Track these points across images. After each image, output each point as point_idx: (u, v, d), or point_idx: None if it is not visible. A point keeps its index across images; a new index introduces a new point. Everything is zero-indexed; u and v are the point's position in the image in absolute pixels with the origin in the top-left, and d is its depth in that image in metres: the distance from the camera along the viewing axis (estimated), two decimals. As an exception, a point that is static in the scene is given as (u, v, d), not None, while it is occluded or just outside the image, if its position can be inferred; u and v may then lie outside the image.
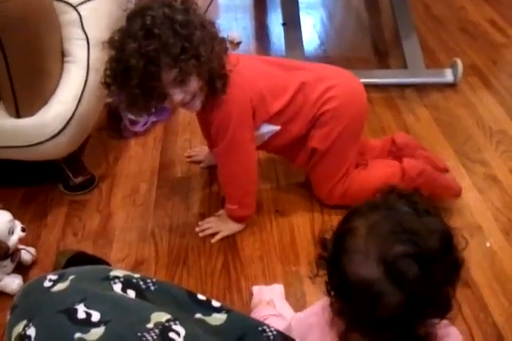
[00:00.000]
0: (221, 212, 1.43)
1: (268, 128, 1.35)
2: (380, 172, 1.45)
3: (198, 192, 1.53)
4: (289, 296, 1.24)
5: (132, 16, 1.16)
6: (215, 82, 1.22)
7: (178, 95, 1.19)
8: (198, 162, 1.63)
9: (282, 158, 1.60)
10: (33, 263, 1.30)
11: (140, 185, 1.55)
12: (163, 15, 1.13)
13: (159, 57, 1.12)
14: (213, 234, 1.39)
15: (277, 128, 1.36)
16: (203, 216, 1.45)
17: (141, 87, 1.15)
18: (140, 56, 1.12)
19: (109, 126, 1.77)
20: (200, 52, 1.15)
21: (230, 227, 1.40)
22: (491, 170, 1.62)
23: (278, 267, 1.32)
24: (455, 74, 2.01)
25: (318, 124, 1.37)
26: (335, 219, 1.44)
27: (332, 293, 0.85)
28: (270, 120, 1.34)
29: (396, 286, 0.76)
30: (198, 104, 1.25)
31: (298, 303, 1.22)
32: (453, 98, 1.96)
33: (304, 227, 1.43)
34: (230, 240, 1.39)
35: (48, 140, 1.37)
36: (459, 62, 2.00)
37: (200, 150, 1.65)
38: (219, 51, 1.21)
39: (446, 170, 1.54)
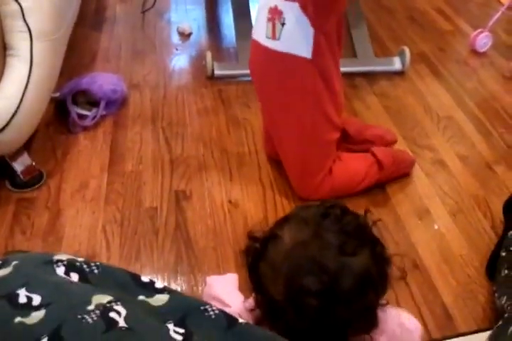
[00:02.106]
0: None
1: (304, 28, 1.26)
2: (359, 163, 1.47)
3: (150, 186, 1.51)
4: (245, 288, 1.24)
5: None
6: None
7: None
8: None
9: (235, 150, 1.60)
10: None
11: (90, 181, 1.52)
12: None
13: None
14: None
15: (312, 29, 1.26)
16: (155, 210, 1.44)
17: None
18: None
19: (56, 121, 1.74)
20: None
21: None
22: (439, 155, 1.66)
23: (232, 258, 1.32)
24: (403, 62, 2.04)
25: None
26: (288, 210, 1.45)
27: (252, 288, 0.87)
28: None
29: (297, 313, 0.79)
30: None
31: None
32: (401, 85, 1.99)
33: (258, 217, 1.43)
34: (184, 232, 1.38)
35: (-9, 136, 1.33)
36: (407, 50, 2.03)
37: None
38: None
39: (395, 141, 1.61)
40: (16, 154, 1.46)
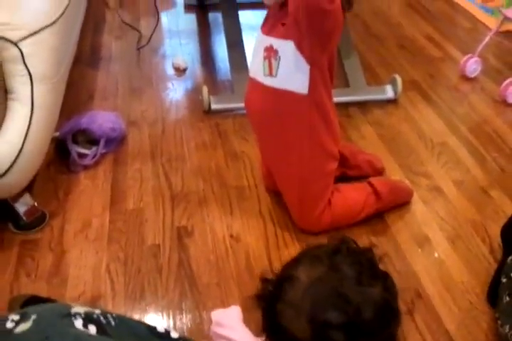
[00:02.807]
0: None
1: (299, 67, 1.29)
2: (357, 194, 1.50)
3: (151, 223, 1.53)
4: (249, 322, 1.25)
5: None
6: None
7: None
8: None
9: (234, 184, 1.63)
10: (-14, 307, 1.28)
11: (92, 220, 1.54)
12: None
13: None
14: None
15: (307, 68, 1.29)
16: (157, 247, 1.46)
17: None
18: None
19: (57, 161, 1.76)
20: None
21: None
22: (435, 182, 1.68)
23: (236, 293, 1.33)
24: (395, 90, 2.08)
25: None
26: (289, 242, 1.47)
27: (265, 332, 0.87)
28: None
29: None
30: None
31: (258, 328, 1.23)
32: (395, 113, 2.03)
33: (260, 251, 1.45)
34: (187, 269, 1.39)
35: (-6, 180, 1.35)
36: (398, 78, 2.07)
37: None
38: None
39: (383, 169, 1.68)
40: (18, 196, 1.48)
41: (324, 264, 0.87)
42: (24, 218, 1.49)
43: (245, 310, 1.26)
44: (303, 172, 1.42)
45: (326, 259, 0.88)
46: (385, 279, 0.89)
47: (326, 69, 1.34)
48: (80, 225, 1.52)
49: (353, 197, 1.50)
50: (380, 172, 1.68)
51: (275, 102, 1.36)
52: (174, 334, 0.84)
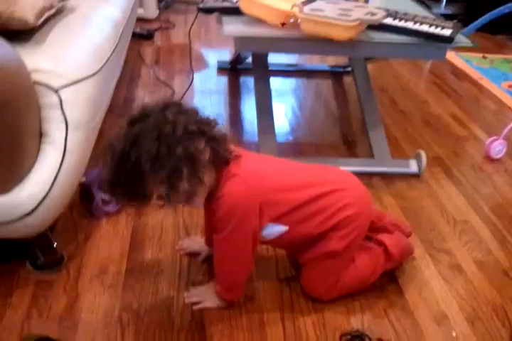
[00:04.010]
0: (212, 283, 1.44)
1: (275, 229, 1.35)
2: (366, 261, 1.49)
3: (168, 275, 1.52)
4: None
5: (130, 122, 1.22)
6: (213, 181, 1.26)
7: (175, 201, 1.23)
8: (193, 253, 1.60)
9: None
10: (-5, 344, 1.26)
11: (109, 266, 1.53)
12: (153, 126, 1.17)
13: (141, 165, 1.16)
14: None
15: (285, 228, 1.35)
16: (171, 300, 1.43)
17: (129, 189, 1.21)
18: (128, 167, 1.17)
19: (80, 205, 1.78)
20: (193, 161, 1.18)
21: (214, 301, 1.42)
22: (456, 260, 1.66)
23: (246, 355, 1.30)
24: (419, 165, 2.11)
25: (338, 227, 1.37)
26: (304, 307, 1.45)
27: None
28: (278, 219, 1.33)
29: None
30: (198, 202, 1.30)
31: None
32: (418, 187, 2.04)
33: (274, 318, 1.41)
34: (199, 325, 1.37)
35: (18, 219, 1.35)
36: (423, 154, 2.10)
37: (190, 240, 1.65)
38: (218, 154, 1.25)
39: (410, 234, 1.68)
40: (39, 236, 1.49)
41: None
42: (42, 258, 1.48)
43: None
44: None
45: None
46: None
47: None
48: (96, 270, 1.51)
49: (364, 265, 1.48)
50: (408, 237, 1.67)
51: None
52: None
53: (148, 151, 1.15)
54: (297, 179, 1.38)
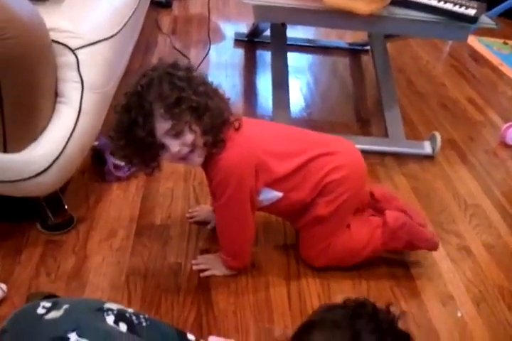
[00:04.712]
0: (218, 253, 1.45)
1: (270, 194, 1.36)
2: (362, 231, 1.47)
3: (176, 242, 1.52)
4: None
5: (140, 75, 1.24)
6: (214, 136, 1.24)
7: (174, 147, 1.22)
8: (202, 222, 1.60)
9: (261, 214, 1.62)
10: (3, 299, 1.26)
11: (118, 230, 1.53)
12: (165, 72, 1.21)
13: (153, 108, 1.17)
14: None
15: (280, 194, 1.37)
16: (179, 266, 1.44)
17: (138, 138, 1.20)
18: (137, 107, 1.18)
19: (92, 169, 1.77)
20: (199, 104, 1.19)
21: (221, 269, 1.43)
22: (465, 242, 1.66)
23: (251, 323, 1.30)
24: (433, 147, 2.09)
25: (323, 192, 1.38)
26: (310, 279, 1.45)
27: None
28: (272, 185, 1.35)
29: None
30: (197, 159, 1.28)
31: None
32: (430, 169, 2.02)
33: (280, 284, 1.42)
34: (205, 292, 1.37)
35: (31, 177, 1.36)
36: (438, 136, 2.08)
37: (200, 209, 1.64)
38: (220, 106, 1.25)
39: (423, 226, 1.55)
40: (50, 197, 1.49)
41: (344, 331, 0.82)
42: (52, 219, 1.48)
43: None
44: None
45: (346, 325, 0.83)
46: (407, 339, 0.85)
47: None
48: (105, 233, 1.51)
49: (359, 234, 1.46)
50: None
51: None
52: None
53: (161, 94, 1.17)
54: (291, 146, 1.39)
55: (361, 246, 1.46)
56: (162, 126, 1.19)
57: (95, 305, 0.80)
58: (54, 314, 0.76)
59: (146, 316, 0.81)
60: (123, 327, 0.77)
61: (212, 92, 1.26)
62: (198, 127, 1.22)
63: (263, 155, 1.32)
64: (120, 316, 0.78)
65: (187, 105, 1.19)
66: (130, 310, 0.81)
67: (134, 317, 0.80)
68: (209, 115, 1.22)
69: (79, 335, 0.71)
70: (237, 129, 1.29)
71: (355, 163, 1.43)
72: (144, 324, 0.80)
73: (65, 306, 0.77)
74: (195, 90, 1.20)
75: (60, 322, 0.74)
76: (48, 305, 0.78)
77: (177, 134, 1.20)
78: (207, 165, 1.30)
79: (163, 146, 1.23)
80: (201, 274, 1.42)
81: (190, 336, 0.82)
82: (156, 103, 1.18)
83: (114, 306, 0.81)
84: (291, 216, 1.49)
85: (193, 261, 1.45)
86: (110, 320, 0.77)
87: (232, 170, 1.27)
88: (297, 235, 1.53)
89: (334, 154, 1.39)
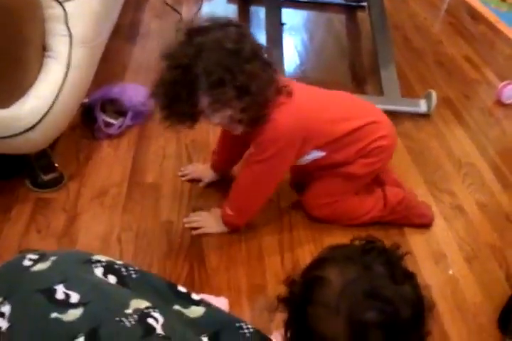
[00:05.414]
0: (214, 209, 1.45)
1: (314, 155, 1.38)
2: (366, 200, 1.50)
3: (168, 200, 1.51)
4: (253, 311, 1.23)
5: (190, 33, 1.19)
6: (254, 113, 1.23)
7: (214, 119, 1.24)
8: (196, 180, 1.58)
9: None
10: (-8, 256, 1.25)
11: (109, 188, 1.51)
12: (214, 41, 1.16)
13: (198, 81, 1.16)
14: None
15: (323, 154, 1.38)
16: (171, 224, 1.43)
17: (180, 110, 1.20)
18: (182, 81, 1.16)
19: (82, 126, 1.74)
20: (242, 84, 1.16)
21: (215, 226, 1.42)
22: (458, 201, 1.65)
23: (243, 280, 1.30)
24: (429, 105, 2.06)
25: (367, 155, 1.40)
26: (303, 236, 1.45)
27: (289, 335, 0.84)
28: (319, 147, 1.36)
29: None
30: (238, 128, 1.29)
31: (261, 318, 1.21)
32: (425, 128, 2.00)
33: (272, 243, 1.42)
34: (198, 250, 1.37)
35: (20, 133, 1.33)
36: (434, 94, 2.05)
37: (193, 167, 1.62)
38: (264, 84, 1.21)
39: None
40: (40, 154, 1.46)
41: (356, 264, 0.83)
42: (42, 176, 1.46)
43: (251, 301, 1.24)
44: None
45: (357, 259, 0.84)
46: (413, 278, 0.86)
47: None
48: (96, 191, 1.50)
49: (363, 201, 1.50)
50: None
51: None
52: (195, 296, 0.82)
53: (207, 70, 1.14)
54: (341, 111, 1.41)
55: (363, 212, 1.48)
56: (204, 99, 1.18)
57: (83, 257, 0.78)
58: (41, 266, 0.75)
59: (136, 268, 0.80)
60: (112, 279, 0.76)
61: (260, 66, 1.20)
62: (238, 104, 1.20)
63: (314, 122, 1.32)
64: (109, 268, 0.78)
65: (231, 84, 1.16)
66: (119, 262, 0.80)
67: (123, 269, 0.79)
68: (251, 94, 1.19)
69: (66, 287, 0.70)
70: (289, 94, 1.27)
71: (394, 136, 1.48)
72: (134, 275, 0.79)
73: (52, 258, 0.76)
74: (242, 68, 1.16)
75: (48, 274, 0.73)
76: (35, 257, 0.77)
77: (217, 109, 1.21)
78: (248, 131, 1.30)
79: (204, 115, 1.23)
80: (193, 232, 1.41)
81: (180, 288, 0.81)
82: (201, 77, 1.16)
83: (103, 258, 0.80)
84: (316, 170, 1.47)
85: (185, 219, 1.44)
86: (99, 272, 0.76)
87: (281, 135, 1.27)
88: (303, 185, 1.53)
89: (380, 123, 1.43)
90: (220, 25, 1.19)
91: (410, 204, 1.52)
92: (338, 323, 0.74)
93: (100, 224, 1.39)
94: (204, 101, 1.18)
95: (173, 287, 0.81)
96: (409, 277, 0.86)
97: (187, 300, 0.79)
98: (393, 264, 0.84)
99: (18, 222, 1.36)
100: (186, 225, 1.43)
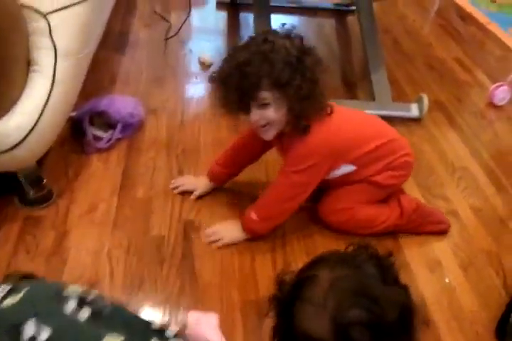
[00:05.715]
0: (225, 221, 1.47)
1: (344, 169, 1.42)
2: (383, 208, 1.49)
3: (159, 215, 1.49)
4: (246, 327, 1.21)
5: (256, 36, 1.27)
6: (297, 121, 1.28)
7: (254, 115, 1.26)
8: (187, 192, 1.57)
9: (247, 180, 1.59)
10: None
11: (99, 204, 1.50)
12: (282, 46, 1.22)
13: (261, 80, 1.20)
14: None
15: (353, 168, 1.41)
16: (162, 239, 1.41)
17: (235, 91, 1.24)
18: (246, 77, 1.20)
19: (71, 140, 1.72)
20: (297, 91, 1.21)
21: (232, 234, 1.42)
22: (452, 206, 1.64)
23: (235, 296, 1.29)
24: (421, 109, 2.05)
25: (394, 168, 1.45)
26: (297, 250, 1.43)
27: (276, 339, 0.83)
28: (351, 162, 1.40)
29: None
30: (270, 133, 1.32)
31: (254, 335, 1.19)
32: (417, 132, 1.99)
33: (265, 257, 1.40)
34: (189, 265, 1.35)
35: (6, 151, 1.31)
36: (425, 98, 2.04)
37: (185, 179, 1.61)
38: (316, 96, 1.26)
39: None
40: (27, 170, 1.44)
41: (347, 264, 0.83)
42: (31, 194, 1.44)
43: (244, 316, 1.22)
44: None
45: (349, 260, 0.85)
46: (406, 287, 0.85)
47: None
48: (86, 207, 1.48)
49: (379, 212, 1.49)
50: None
51: None
52: (169, 333, 0.80)
53: (273, 73, 1.19)
54: (369, 129, 1.46)
55: (379, 221, 1.47)
56: (258, 93, 1.22)
57: (57, 289, 0.77)
58: (12, 299, 0.73)
59: (110, 302, 0.79)
60: (86, 311, 0.75)
61: (317, 79, 1.25)
62: (285, 109, 1.25)
63: (348, 139, 1.37)
64: (82, 301, 0.76)
65: (288, 89, 1.21)
66: (94, 292, 0.79)
67: (97, 302, 0.77)
68: (302, 103, 1.24)
69: (38, 321, 0.69)
70: (329, 114, 1.33)
71: (413, 155, 1.52)
72: (107, 309, 0.77)
73: (25, 289, 0.74)
74: (303, 75, 1.22)
75: (18, 309, 0.72)
76: (7, 288, 0.75)
77: (263, 105, 1.24)
78: (284, 138, 1.36)
79: (248, 109, 1.26)
80: (214, 245, 1.41)
81: (155, 325, 0.79)
82: (264, 78, 1.20)
83: (77, 289, 0.78)
84: (344, 184, 1.48)
85: (204, 234, 1.44)
86: (71, 305, 0.75)
87: (317, 151, 1.32)
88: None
89: (401, 140, 1.49)
90: (286, 35, 1.25)
91: (425, 211, 1.52)
92: (323, 321, 0.74)
93: (90, 242, 1.37)
94: (266, 96, 1.22)
95: (147, 324, 0.80)
96: (400, 283, 0.85)
97: (162, 335, 0.78)
98: (384, 267, 0.83)
99: (7, 243, 1.34)
100: (206, 240, 1.42)
